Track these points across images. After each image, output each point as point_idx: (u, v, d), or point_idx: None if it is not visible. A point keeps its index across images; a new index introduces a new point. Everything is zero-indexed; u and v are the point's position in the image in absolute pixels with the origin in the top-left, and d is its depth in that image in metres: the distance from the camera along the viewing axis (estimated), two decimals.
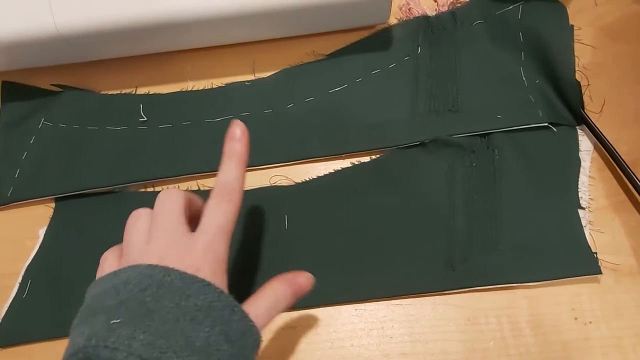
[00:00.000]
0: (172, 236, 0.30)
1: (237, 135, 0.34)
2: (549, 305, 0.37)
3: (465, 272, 0.38)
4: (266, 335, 0.38)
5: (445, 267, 0.39)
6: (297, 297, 0.33)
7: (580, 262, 0.38)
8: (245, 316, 0.29)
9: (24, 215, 0.45)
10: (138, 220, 0.32)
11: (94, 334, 0.26)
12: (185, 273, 0.28)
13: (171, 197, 0.32)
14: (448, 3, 0.47)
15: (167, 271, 0.28)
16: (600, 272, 0.37)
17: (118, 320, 0.26)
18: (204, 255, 0.30)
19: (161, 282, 0.28)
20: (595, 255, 0.38)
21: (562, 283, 0.38)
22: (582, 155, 0.41)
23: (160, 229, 0.31)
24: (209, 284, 0.28)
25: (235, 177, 0.33)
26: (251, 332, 0.30)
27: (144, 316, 0.27)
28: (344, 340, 0.38)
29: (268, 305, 0.31)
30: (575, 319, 0.37)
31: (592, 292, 0.37)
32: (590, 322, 0.37)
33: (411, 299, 0.38)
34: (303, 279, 0.34)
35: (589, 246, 0.38)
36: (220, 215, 0.31)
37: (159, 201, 0.32)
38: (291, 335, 0.38)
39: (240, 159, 0.34)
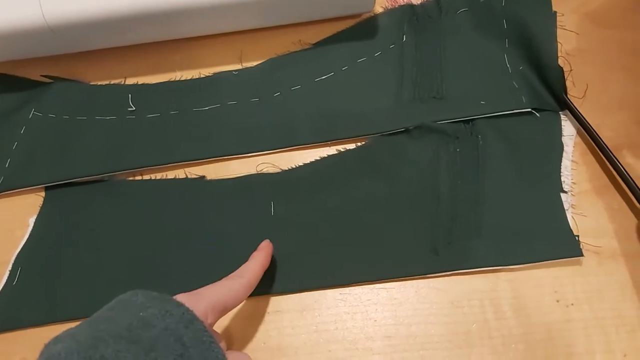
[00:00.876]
0: None
1: (263, 246, 0.38)
2: (531, 288, 0.37)
3: (449, 256, 0.39)
4: (252, 319, 0.39)
5: (429, 251, 0.39)
6: None
7: (562, 245, 0.38)
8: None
9: (14, 205, 0.45)
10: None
11: None
12: (149, 292, 0.31)
13: (230, 283, 0.35)
14: None
15: (134, 292, 0.31)
16: (581, 255, 0.37)
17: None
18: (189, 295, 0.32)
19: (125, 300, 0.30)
20: (577, 238, 0.38)
21: (544, 266, 0.38)
22: (565, 140, 0.41)
23: (206, 290, 0.33)
24: (166, 296, 0.31)
25: (253, 269, 0.36)
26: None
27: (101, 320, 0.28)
28: (329, 324, 0.38)
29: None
30: (558, 301, 0.37)
31: (574, 274, 0.38)
32: (572, 304, 0.37)
33: (395, 283, 0.39)
34: None
35: (571, 229, 0.38)
36: (228, 284, 0.34)
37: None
38: (276, 319, 0.39)
39: (263, 262, 0.37)
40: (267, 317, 0.39)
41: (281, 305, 0.39)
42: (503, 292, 0.38)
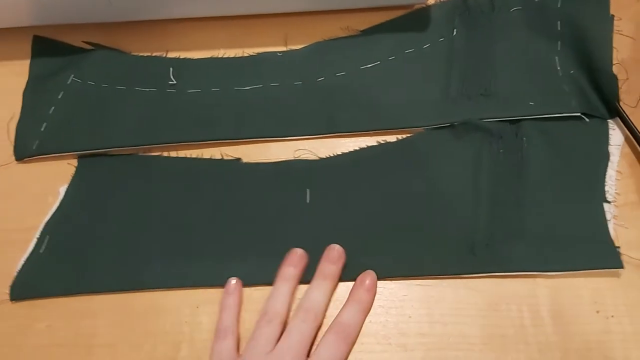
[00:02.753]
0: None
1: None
2: (571, 297, 0.37)
3: (487, 257, 0.38)
4: None
5: (466, 251, 0.38)
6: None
7: (602, 256, 0.37)
8: None
9: (47, 170, 0.45)
10: (270, 325, 0.35)
11: None
12: None
13: (304, 329, 0.35)
14: None
15: None
16: (621, 266, 0.36)
17: None
18: None
19: None
20: (617, 249, 0.37)
21: (584, 275, 0.37)
22: (611, 149, 0.40)
23: (286, 352, 0.34)
24: None
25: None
26: None
27: None
28: None
29: None
30: (597, 312, 0.36)
31: (615, 286, 0.37)
32: (612, 316, 0.36)
33: (432, 280, 0.38)
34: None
35: (612, 240, 0.37)
36: (335, 352, 0.35)
37: (294, 323, 0.36)
38: None
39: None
40: None
41: None
42: (542, 299, 0.37)
